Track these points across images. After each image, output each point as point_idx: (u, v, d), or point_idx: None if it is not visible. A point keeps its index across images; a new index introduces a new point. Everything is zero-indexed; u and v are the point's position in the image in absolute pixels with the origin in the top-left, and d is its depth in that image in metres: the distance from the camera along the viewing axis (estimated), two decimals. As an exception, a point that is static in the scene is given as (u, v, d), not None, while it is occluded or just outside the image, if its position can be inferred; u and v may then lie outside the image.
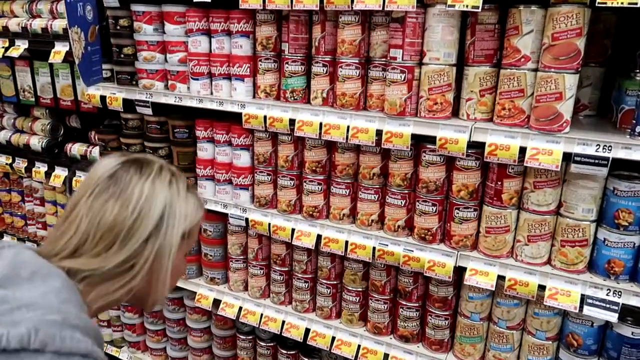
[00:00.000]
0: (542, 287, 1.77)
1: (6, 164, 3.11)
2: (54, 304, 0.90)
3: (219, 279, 2.56)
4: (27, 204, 3.22)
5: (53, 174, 2.89)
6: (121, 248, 1.04)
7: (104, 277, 1.04)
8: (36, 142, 3.05)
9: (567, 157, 1.63)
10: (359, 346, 2.19)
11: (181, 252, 1.16)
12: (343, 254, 2.10)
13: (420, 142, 1.89)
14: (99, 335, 0.97)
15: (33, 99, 3.02)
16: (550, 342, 1.86)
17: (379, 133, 1.88)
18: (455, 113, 1.86)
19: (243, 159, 2.28)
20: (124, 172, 1.07)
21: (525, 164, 1.66)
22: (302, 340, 2.30)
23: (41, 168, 2.96)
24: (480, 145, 1.74)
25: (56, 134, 3.10)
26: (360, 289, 2.19)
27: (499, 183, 1.78)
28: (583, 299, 1.69)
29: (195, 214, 1.16)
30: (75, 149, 2.95)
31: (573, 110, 1.64)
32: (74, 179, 2.82)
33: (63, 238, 1.04)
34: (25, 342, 0.82)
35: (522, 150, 1.67)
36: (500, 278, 1.83)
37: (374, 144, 1.91)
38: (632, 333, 1.69)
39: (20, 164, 3.06)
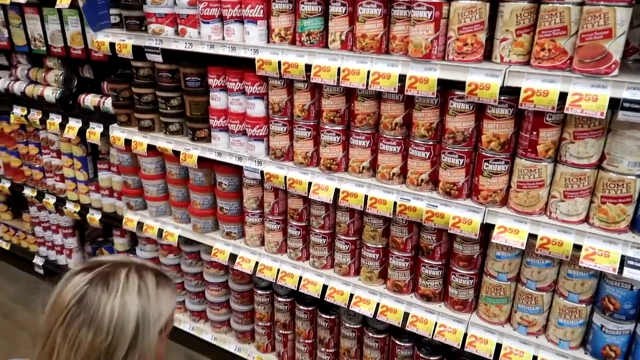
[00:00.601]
0: (577, 247, 1.63)
1: (22, 115, 3.07)
2: None
3: (235, 233, 2.50)
4: (45, 157, 3.19)
5: (67, 125, 2.83)
6: None
7: None
8: (50, 94, 2.97)
9: (614, 104, 1.45)
10: (378, 304, 2.11)
11: (161, 342, 1.17)
12: (362, 209, 1.98)
13: (447, 88, 1.72)
14: None
15: (44, 48, 2.93)
16: (584, 305, 1.73)
17: (402, 79, 1.72)
18: (488, 56, 1.68)
19: (257, 108, 2.15)
20: (92, 293, 1.06)
21: (565, 112, 1.48)
22: (319, 297, 2.24)
23: (55, 120, 2.90)
24: (515, 91, 1.57)
25: (69, 85, 3.01)
26: (380, 246, 2.08)
27: (535, 133, 1.61)
28: (623, 260, 1.55)
29: (169, 307, 1.16)
30: (89, 100, 2.87)
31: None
32: (88, 130, 2.76)
33: None
34: None
35: (562, 96, 1.49)
36: (532, 237, 1.70)
37: (396, 91, 1.76)
38: (677, 297, 1.55)
39: (35, 115, 3.00)
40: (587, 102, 1.45)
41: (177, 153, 2.44)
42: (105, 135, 2.71)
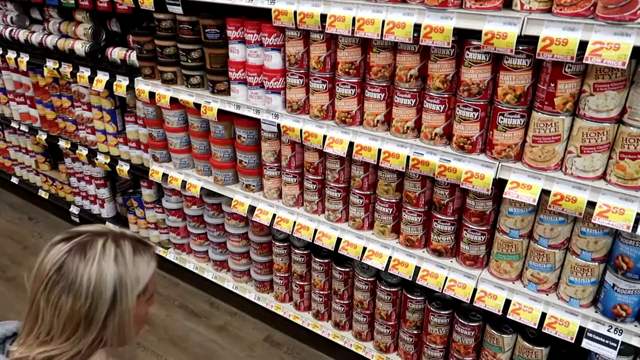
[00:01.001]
0: (591, 204, 1.58)
1: (54, 68, 3.16)
2: None
3: (254, 186, 2.55)
4: (77, 109, 3.30)
5: (95, 78, 2.90)
6: (86, 332, 1.13)
7: (79, 354, 1.13)
8: (80, 47, 3.05)
9: (638, 54, 1.37)
10: (390, 257, 2.13)
11: (141, 305, 1.23)
12: (376, 163, 1.98)
13: (463, 38, 1.67)
14: None
15: (72, 1, 2.97)
16: (596, 264, 1.70)
17: (417, 28, 1.67)
18: (508, 3, 1.60)
19: (274, 60, 2.15)
20: (70, 262, 1.12)
21: (584, 62, 1.41)
22: (333, 249, 2.28)
23: (85, 73, 2.97)
24: (533, 41, 1.50)
25: (98, 38, 3.07)
26: (393, 200, 2.09)
27: (552, 85, 1.55)
28: (639, 218, 1.50)
29: (147, 272, 1.21)
30: (116, 53, 2.92)
31: (652, -5, 1.35)
32: (115, 83, 2.82)
33: (34, 328, 1.14)
34: None
35: (583, 45, 1.42)
36: (545, 193, 1.66)
37: (411, 41, 1.71)
38: (693, 258, 1.50)
39: (66, 68, 3.09)
40: (608, 51, 1.38)
41: (198, 106, 2.48)
42: (131, 88, 2.78)
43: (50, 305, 1.10)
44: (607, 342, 1.71)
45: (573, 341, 1.76)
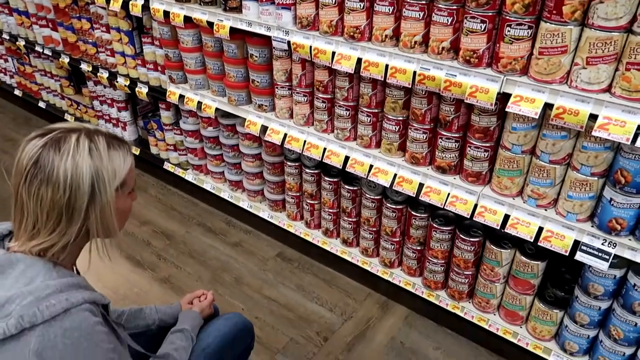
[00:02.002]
0: (593, 117, 1.58)
1: (72, -11, 3.18)
2: (23, 290, 1.08)
3: (266, 105, 2.59)
4: (96, 31, 3.34)
5: (112, -2, 2.92)
6: (69, 222, 1.16)
7: (69, 245, 1.18)
8: (96, -34, 3.04)
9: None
10: (395, 175, 2.19)
11: (121, 199, 1.26)
12: (383, 79, 1.99)
13: (474, -56, 1.62)
14: (77, 283, 1.16)
15: None
16: (595, 179, 1.72)
17: None
18: None
19: (284, -26, 2.12)
20: (45, 156, 1.13)
21: (595, -35, 1.37)
22: (341, 168, 2.34)
23: (101, -8, 2.99)
24: (545, -56, 1.45)
25: (113, -43, 3.05)
26: (400, 118, 2.11)
27: (562, -8, 1.51)
28: (639, 130, 1.50)
29: (123, 166, 1.23)
30: (131, -29, 2.91)
31: None
32: (130, 3, 2.84)
33: (22, 223, 1.17)
34: (19, 326, 1.03)
35: (596, -53, 1.37)
36: (548, 107, 1.66)
37: (420, -52, 1.67)
38: (691, 171, 1.50)
39: (84, -12, 3.11)
40: (620, -47, 1.33)
41: (210, 24, 2.49)
42: (146, 7, 2.79)
43: (32, 198, 1.14)
44: (600, 254, 1.76)
45: (567, 254, 1.82)
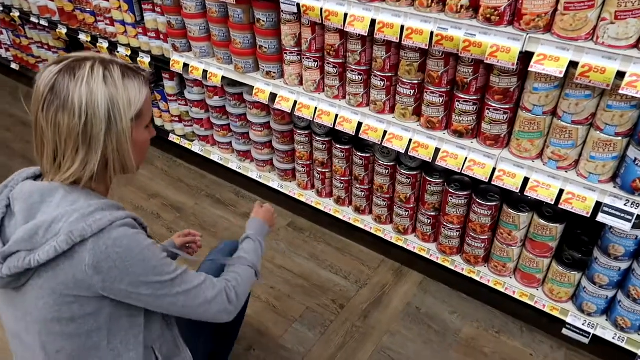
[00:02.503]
0: (620, 75, 1.53)
1: (66, -45, 3.06)
2: (68, 209, 1.12)
3: (274, 72, 2.53)
4: (94, 0, 3.23)
5: (109, -37, 2.81)
6: (89, 151, 1.16)
7: (94, 177, 1.19)
8: None
9: None
10: (410, 140, 2.15)
11: (138, 131, 1.25)
12: (398, 41, 1.92)
13: None
14: (116, 204, 1.19)
15: None
16: (620, 138, 1.68)
17: None
18: None
19: None
20: (61, 82, 1.13)
21: None
22: (354, 134, 2.29)
23: (98, -42, 2.87)
24: None
25: None
26: (415, 81, 2.05)
27: (591, -58, 1.43)
28: (669, 86, 1.45)
29: (139, 97, 1.21)
30: None
31: None
32: (129, -32, 2.73)
33: (43, 153, 1.19)
34: (70, 242, 1.08)
35: None
36: (573, 65, 1.61)
37: None
38: None
39: (79, -46, 2.99)
40: None
41: (215, -12, 2.40)
42: (146, -28, 2.69)
43: (50, 124, 1.14)
44: (622, 215, 1.74)
45: (589, 216, 1.79)
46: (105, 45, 3.32)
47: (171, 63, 2.93)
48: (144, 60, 3.12)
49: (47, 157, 1.18)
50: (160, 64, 3.08)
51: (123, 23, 3.15)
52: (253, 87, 2.60)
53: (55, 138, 1.15)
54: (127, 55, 3.22)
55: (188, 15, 2.67)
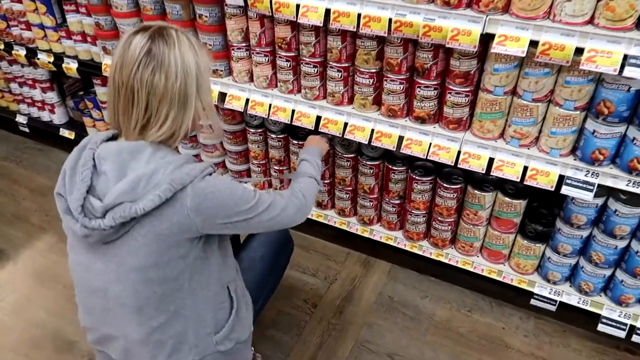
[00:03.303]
0: (578, 51, 1.58)
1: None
2: (161, 162, 1.24)
3: (222, 70, 2.40)
4: (4, 2, 2.91)
5: (21, -39, 2.53)
6: (182, 109, 1.27)
7: (187, 134, 1.34)
8: None
9: None
10: (372, 130, 2.12)
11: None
12: (355, 30, 1.88)
13: None
14: (192, 157, 1.34)
15: None
16: (578, 112, 1.74)
17: None
18: None
19: None
20: (155, 47, 1.23)
21: None
22: (313, 129, 2.23)
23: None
24: None
25: None
26: (373, 70, 2.02)
27: None
28: (625, 59, 1.52)
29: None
30: None
31: None
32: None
33: (128, 114, 1.26)
34: (172, 189, 1.20)
35: None
36: (532, 45, 1.64)
37: None
38: (673, 95, 1.56)
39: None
40: None
41: (149, -17, 2.22)
42: (66, -31, 2.45)
43: (145, 85, 1.22)
44: (584, 186, 1.82)
45: (553, 189, 1.86)
46: (23, 52, 3.01)
47: (103, 67, 2.71)
48: (71, 66, 2.87)
49: (135, 119, 1.25)
50: (90, 69, 2.84)
51: (42, 27, 2.87)
52: (199, 87, 2.45)
53: (149, 98, 1.23)
54: (49, 62, 2.93)
55: (119, 15, 2.46)
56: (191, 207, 1.23)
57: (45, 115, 3.39)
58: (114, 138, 1.35)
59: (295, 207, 1.52)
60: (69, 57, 2.89)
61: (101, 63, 2.72)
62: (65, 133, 3.31)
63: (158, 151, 1.26)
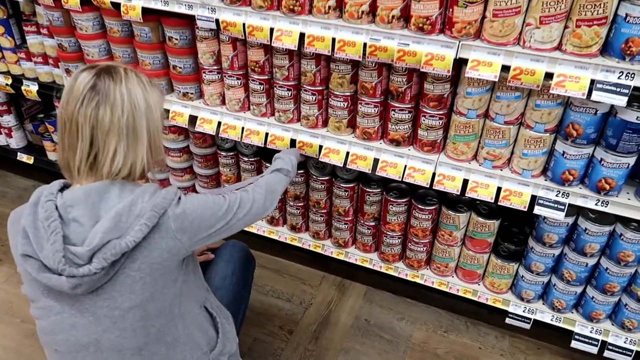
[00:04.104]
0: (548, 76, 1.63)
1: None
2: (132, 195, 1.24)
3: (192, 93, 2.35)
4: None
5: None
6: (134, 143, 1.26)
7: (144, 169, 1.32)
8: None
9: None
10: (347, 153, 2.11)
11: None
12: (330, 54, 1.88)
13: None
14: (157, 184, 1.38)
15: None
16: (548, 135, 1.80)
17: None
18: None
19: (206, -57, 1.90)
20: (100, 82, 1.23)
21: None
22: (287, 152, 2.21)
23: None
24: None
25: None
26: (348, 94, 2.03)
27: (515, -48, 1.51)
28: (593, 84, 1.58)
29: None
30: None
31: None
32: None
33: (73, 149, 1.24)
34: (156, 215, 1.21)
35: None
36: (504, 69, 1.68)
37: None
38: (637, 118, 1.62)
39: None
40: None
41: (116, 6, 2.16)
42: (27, -11, 2.36)
43: (89, 119, 1.21)
44: (556, 206, 1.86)
45: (526, 209, 1.89)
46: (-22, 74, 2.87)
47: (66, 90, 2.61)
48: (31, 88, 2.75)
49: (80, 154, 1.23)
50: (52, 91, 2.73)
51: (-1, 48, 2.75)
52: (169, 110, 2.40)
53: (94, 132, 1.22)
54: (7, 84, 2.81)
55: (84, 37, 2.39)
56: (176, 228, 1.25)
57: (1, 140, 3.23)
58: (65, 187, 1.30)
59: (262, 196, 1.59)
60: (28, 79, 2.78)
61: (63, 86, 2.62)
62: (24, 157, 3.16)
63: (125, 186, 1.26)
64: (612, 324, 2.15)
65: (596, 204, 1.83)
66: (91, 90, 1.21)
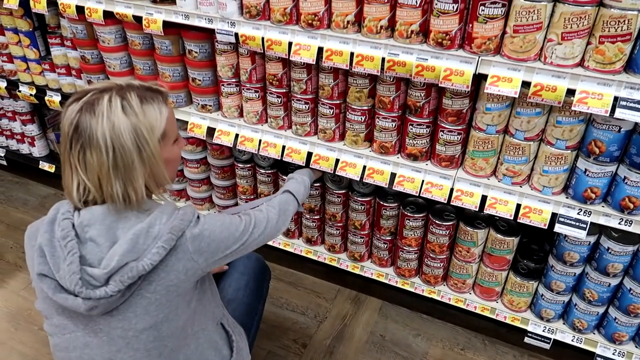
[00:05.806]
0: (570, 92, 1.60)
1: (-51, -15, 2.67)
2: (151, 216, 1.23)
3: (210, 105, 2.37)
4: (-14, 35, 2.86)
5: (6, -6, 2.49)
6: (126, 180, 1.21)
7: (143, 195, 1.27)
8: (-22, -43, 2.57)
9: None
10: (364, 167, 2.10)
11: (167, 148, 1.32)
12: (348, 68, 1.88)
13: None
14: (174, 203, 1.43)
15: None
16: (569, 152, 1.76)
17: None
18: None
19: (226, -41, 1.92)
20: (83, 121, 1.18)
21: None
22: (304, 165, 2.20)
23: (-9, -12, 2.54)
24: None
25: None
26: (365, 108, 2.02)
27: (536, -32, 1.49)
28: (615, 101, 1.54)
29: (160, 119, 1.26)
30: (26, -38, 2.50)
31: None
32: (31, -2, 2.44)
33: (78, 189, 1.22)
34: (174, 238, 1.21)
35: None
36: (524, 85, 1.66)
37: None
38: (663, 136, 1.58)
39: (-34, -16, 2.62)
40: None
41: (138, 19, 2.20)
42: (52, 3, 2.41)
43: (79, 162, 1.19)
44: (577, 224, 1.82)
45: (546, 227, 1.85)
46: (3, 84, 2.94)
47: (88, 101, 2.65)
48: (54, 99, 2.80)
49: (79, 190, 1.21)
50: (74, 102, 2.78)
51: (25, 59, 2.81)
52: (187, 122, 2.42)
53: (86, 173, 1.19)
54: (31, 95, 2.87)
55: (106, 49, 2.43)
56: (193, 250, 1.25)
57: (24, 148, 3.30)
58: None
59: (276, 216, 1.58)
60: (52, 89, 2.83)
61: (86, 96, 2.67)
62: (45, 166, 3.21)
63: (142, 206, 1.26)
64: (636, 347, 2.09)
65: (619, 223, 1.78)
66: (75, 131, 1.17)
